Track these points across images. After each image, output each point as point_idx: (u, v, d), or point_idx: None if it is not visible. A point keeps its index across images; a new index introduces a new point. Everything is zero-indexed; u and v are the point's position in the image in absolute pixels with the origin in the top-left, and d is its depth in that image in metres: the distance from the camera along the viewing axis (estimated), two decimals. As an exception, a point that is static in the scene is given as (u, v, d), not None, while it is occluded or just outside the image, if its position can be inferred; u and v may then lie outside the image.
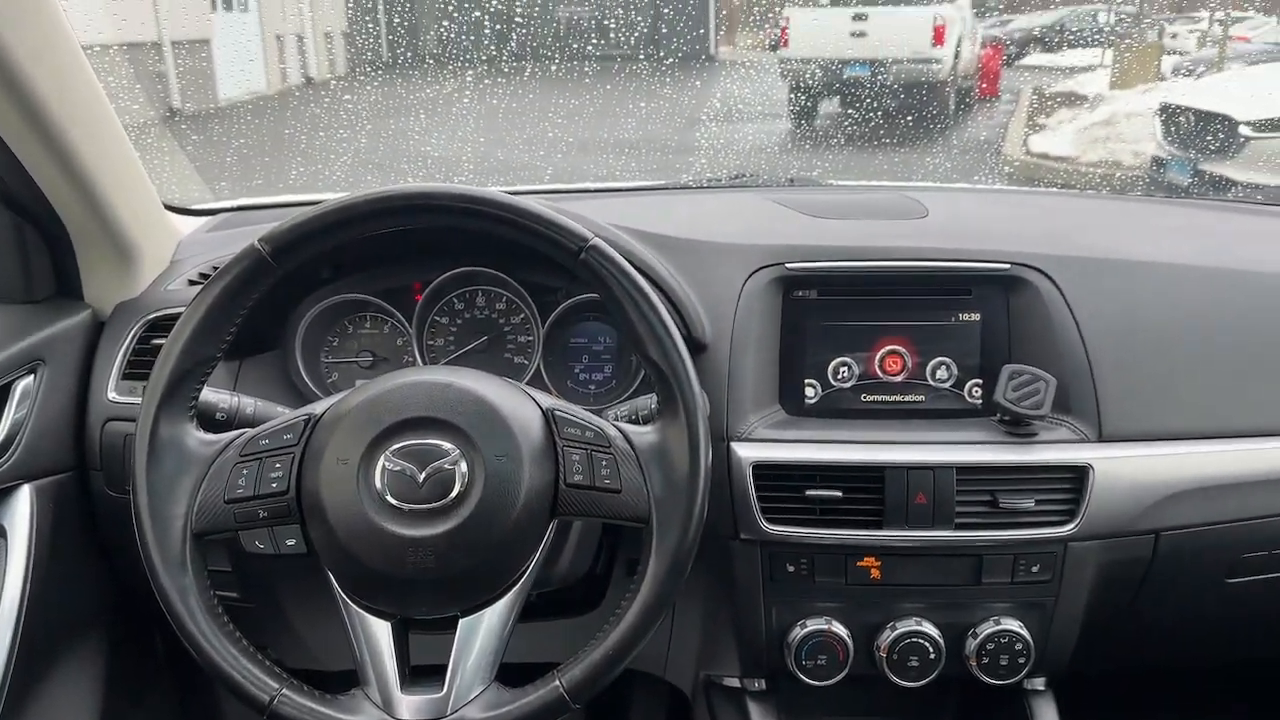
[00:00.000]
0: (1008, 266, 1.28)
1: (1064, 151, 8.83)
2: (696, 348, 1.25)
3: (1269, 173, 5.89)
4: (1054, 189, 3.35)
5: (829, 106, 11.17)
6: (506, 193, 0.99)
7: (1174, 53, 14.73)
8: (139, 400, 0.98)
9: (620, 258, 0.99)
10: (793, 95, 11.02)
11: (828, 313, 1.30)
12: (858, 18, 10.72)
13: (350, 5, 15.36)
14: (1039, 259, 1.28)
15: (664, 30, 14.37)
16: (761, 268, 1.29)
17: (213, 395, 1.12)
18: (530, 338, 1.37)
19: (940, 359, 1.30)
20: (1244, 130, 6.08)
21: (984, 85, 12.72)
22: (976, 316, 1.29)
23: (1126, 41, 13.26)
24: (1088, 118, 10.18)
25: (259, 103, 11.19)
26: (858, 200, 1.59)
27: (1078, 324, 1.25)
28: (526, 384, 1.34)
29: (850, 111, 10.77)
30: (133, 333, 1.33)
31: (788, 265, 1.29)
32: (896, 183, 1.85)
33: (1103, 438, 1.22)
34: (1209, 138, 6.33)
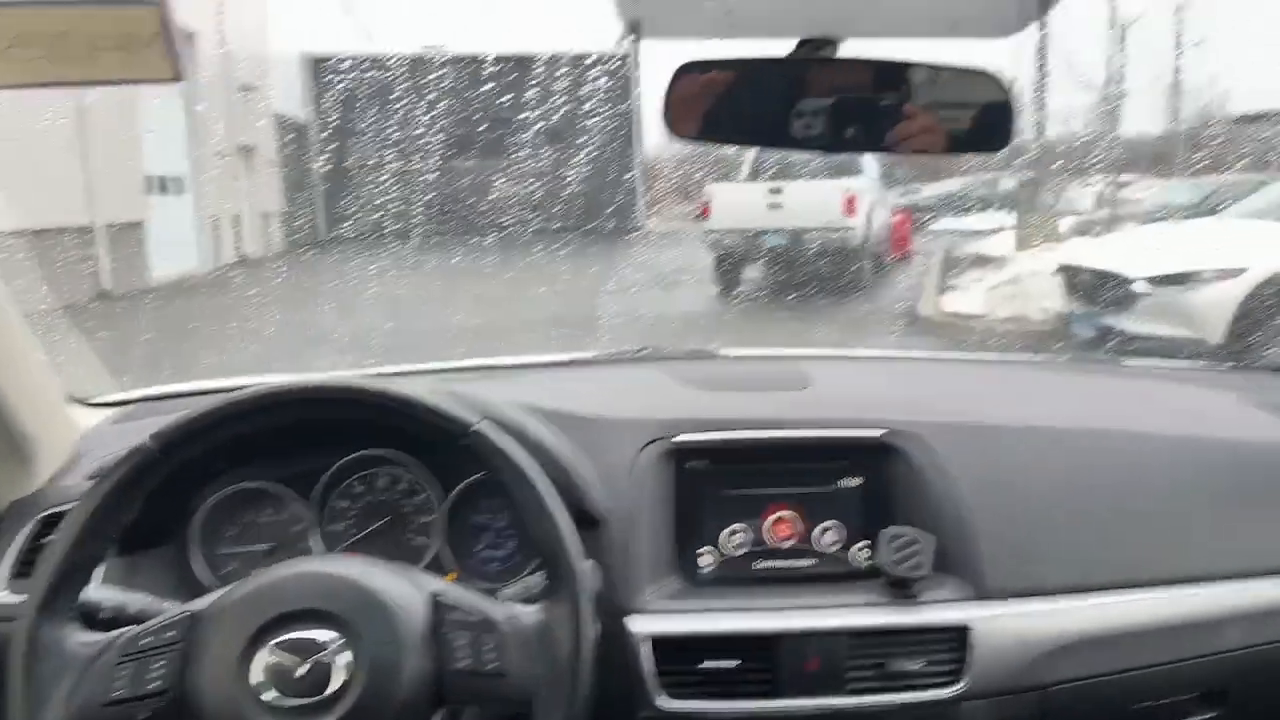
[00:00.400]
0: (882, 434, 1.35)
1: (975, 310, 9.27)
2: (591, 522, 1.28)
3: (1163, 324, 6.27)
4: (932, 353, 3.52)
5: (752, 273, 11.69)
6: (402, 373, 1.04)
7: (1072, 214, 15.82)
8: None
9: (506, 440, 1.04)
10: (717, 263, 11.55)
11: (719, 482, 1.35)
12: (773, 191, 11.36)
13: (285, 191, 15.83)
14: (912, 425, 1.36)
15: (595, 208, 15.04)
16: (653, 441, 1.35)
17: (97, 593, 1.11)
18: (432, 518, 1.38)
19: (827, 524, 1.34)
20: (1138, 286, 6.48)
21: (897, 249, 13.44)
22: (858, 481, 1.35)
23: (1027, 205, 14.15)
24: (995, 277, 10.75)
25: (180, 287, 11.28)
26: (747, 372, 1.68)
27: (953, 486, 1.32)
28: (428, 564, 1.35)
29: (771, 278, 11.28)
30: (26, 531, 1.32)
31: (678, 438, 1.35)
32: (787, 351, 1.95)
33: (983, 595, 1.26)
34: (1107, 293, 6.74)
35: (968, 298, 9.91)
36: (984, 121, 0.98)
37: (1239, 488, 1.39)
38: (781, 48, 1.08)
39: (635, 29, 1.08)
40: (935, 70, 0.98)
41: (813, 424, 1.37)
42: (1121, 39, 14.74)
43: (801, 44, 1.05)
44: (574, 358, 1.87)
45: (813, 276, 10.52)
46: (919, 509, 1.31)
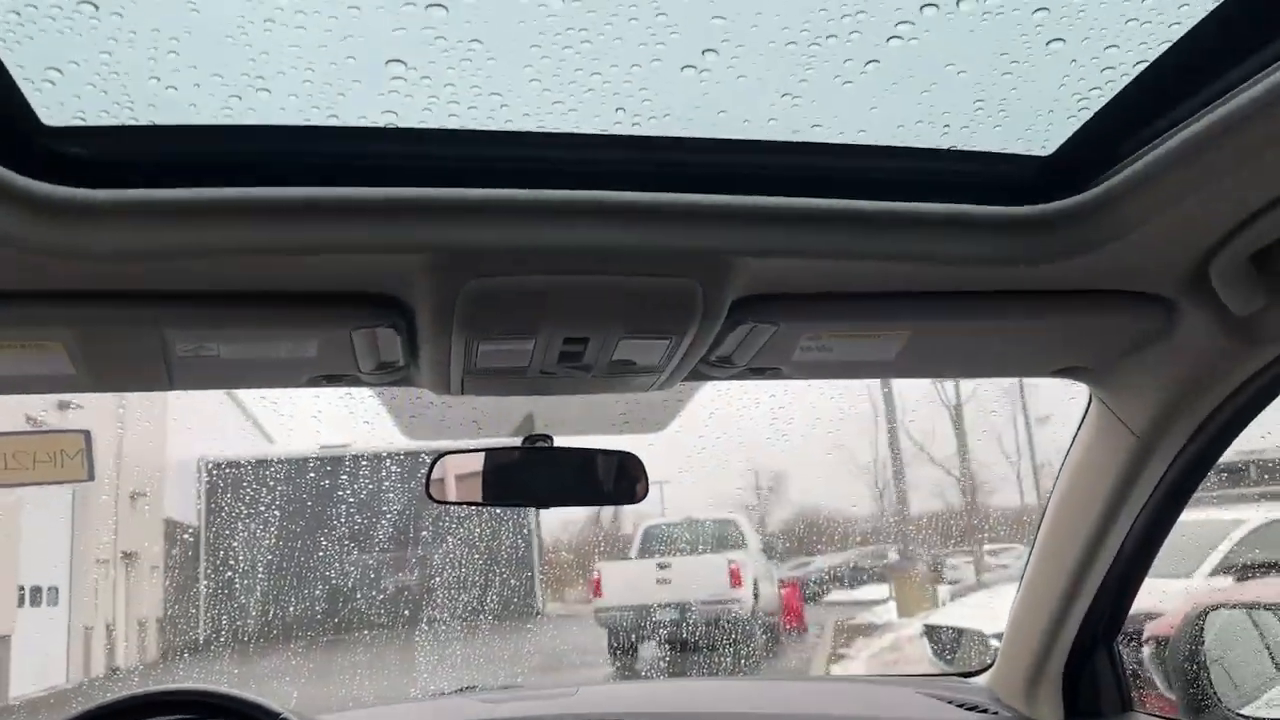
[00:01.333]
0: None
1: (861, 675, 9.47)
2: None
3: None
4: (698, 680, 3.87)
5: (646, 649, 11.73)
6: None
7: (950, 581, 16.57)
8: None
9: None
10: (610, 639, 11.59)
11: None
12: (661, 566, 11.73)
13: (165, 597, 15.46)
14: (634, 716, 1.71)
15: (499, 596, 15.13)
16: None
17: None
18: None
19: None
20: (993, 641, 6.90)
21: (789, 620, 13.68)
22: None
23: (905, 575, 14.81)
24: (877, 644, 11.08)
25: (32, 706, 10.68)
26: (534, 693, 2.02)
27: None
28: None
29: (663, 651, 11.34)
30: None
31: None
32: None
33: None
34: (966, 650, 7.12)
35: (854, 665, 10.14)
36: (627, 481, 1.47)
37: None
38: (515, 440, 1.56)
39: None
40: (600, 453, 1.48)
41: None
42: (958, 418, 16.48)
43: (525, 439, 1.54)
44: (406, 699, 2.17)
45: (706, 648, 10.65)
46: None
